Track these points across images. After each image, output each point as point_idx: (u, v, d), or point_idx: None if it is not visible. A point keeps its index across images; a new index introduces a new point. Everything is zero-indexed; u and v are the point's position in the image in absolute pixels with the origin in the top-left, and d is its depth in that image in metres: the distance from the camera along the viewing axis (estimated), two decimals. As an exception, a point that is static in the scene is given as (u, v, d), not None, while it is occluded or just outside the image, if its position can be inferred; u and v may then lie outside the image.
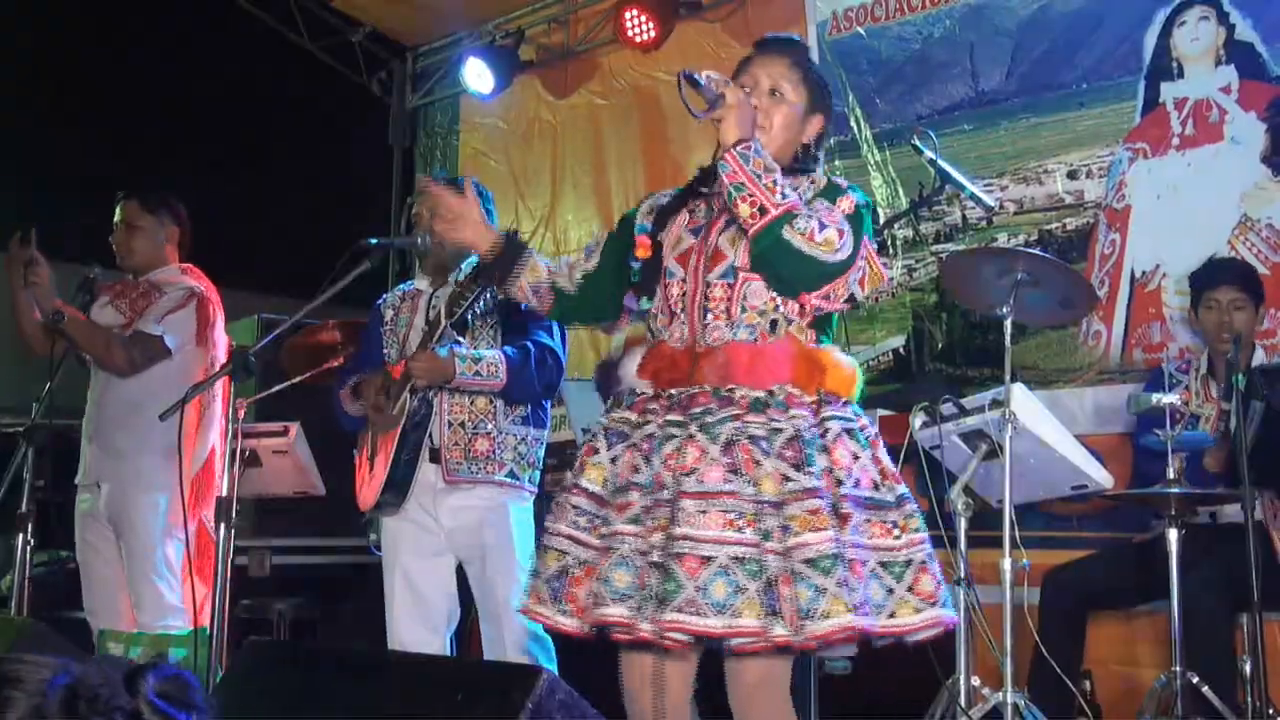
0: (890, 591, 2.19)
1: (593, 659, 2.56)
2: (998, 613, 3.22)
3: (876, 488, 2.27)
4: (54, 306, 3.78)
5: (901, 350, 5.40)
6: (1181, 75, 4.70)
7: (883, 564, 2.20)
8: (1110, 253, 4.81)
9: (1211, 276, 3.90)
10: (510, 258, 2.54)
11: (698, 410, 2.29)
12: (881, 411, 4.34)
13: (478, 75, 6.77)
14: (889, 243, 5.42)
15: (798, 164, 2.47)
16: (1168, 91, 4.73)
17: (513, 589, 3.31)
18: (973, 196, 3.60)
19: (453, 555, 3.43)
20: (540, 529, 2.45)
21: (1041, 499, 3.77)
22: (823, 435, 2.27)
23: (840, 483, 2.23)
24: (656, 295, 2.46)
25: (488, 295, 3.33)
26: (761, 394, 2.29)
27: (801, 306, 2.37)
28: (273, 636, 4.97)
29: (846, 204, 2.36)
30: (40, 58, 7.62)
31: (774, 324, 2.36)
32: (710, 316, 2.36)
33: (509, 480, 3.36)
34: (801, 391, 2.31)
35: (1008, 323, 3.32)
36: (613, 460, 2.34)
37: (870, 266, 2.40)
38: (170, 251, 4.11)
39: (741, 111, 2.29)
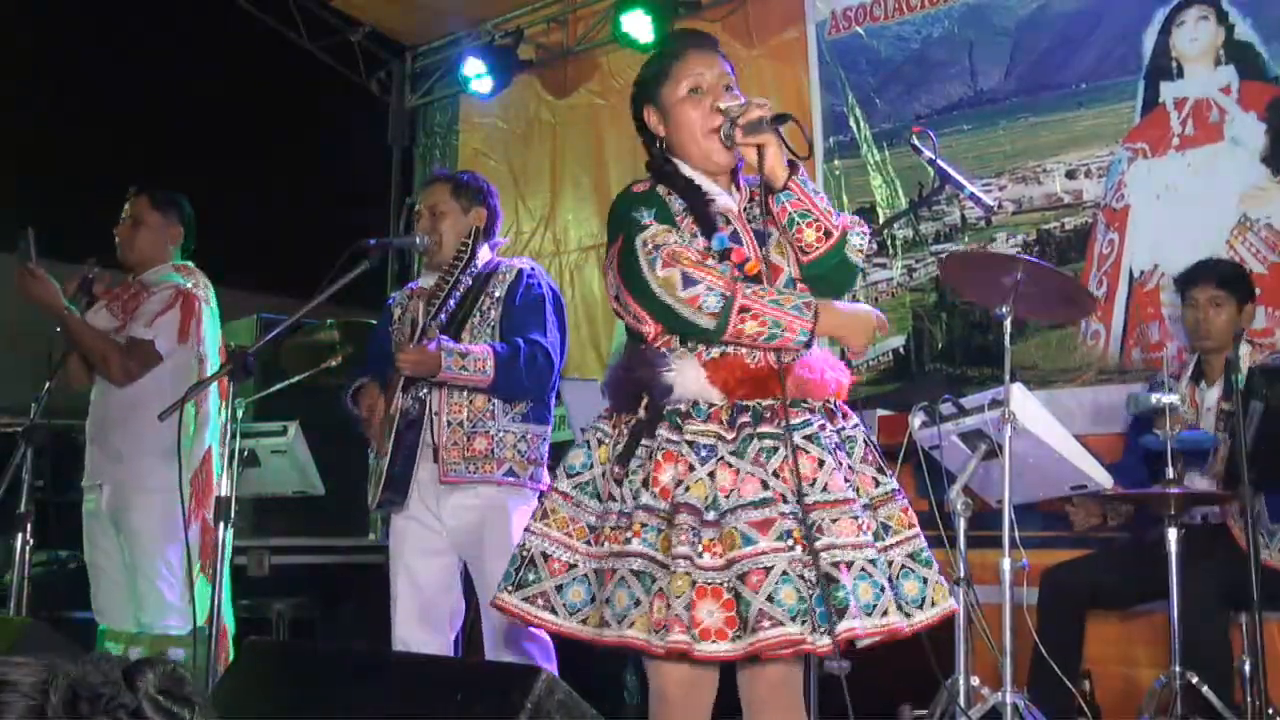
0: (924, 581, 2.29)
1: (593, 659, 2.57)
2: (997, 613, 3.22)
3: (878, 484, 2.35)
4: (61, 313, 3.81)
5: (901, 350, 5.40)
6: (1181, 75, 4.70)
7: (911, 555, 2.32)
8: (1109, 252, 4.82)
9: (1192, 277, 3.91)
10: None
11: (797, 422, 2.23)
12: (881, 411, 4.35)
13: (475, 76, 6.77)
14: (889, 243, 5.43)
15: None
16: (1167, 91, 4.73)
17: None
18: (972, 196, 3.59)
19: (457, 554, 3.43)
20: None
21: (1041, 499, 3.77)
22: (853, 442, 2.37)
23: (877, 482, 2.33)
24: None
25: (487, 291, 3.34)
26: (825, 403, 2.34)
27: None
28: (272, 636, 4.97)
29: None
30: (40, 58, 7.62)
31: None
32: None
33: (508, 479, 3.36)
34: (836, 399, 2.37)
35: (1007, 323, 3.32)
36: (710, 475, 2.19)
37: None
38: (170, 251, 4.11)
39: (777, 144, 2.27)
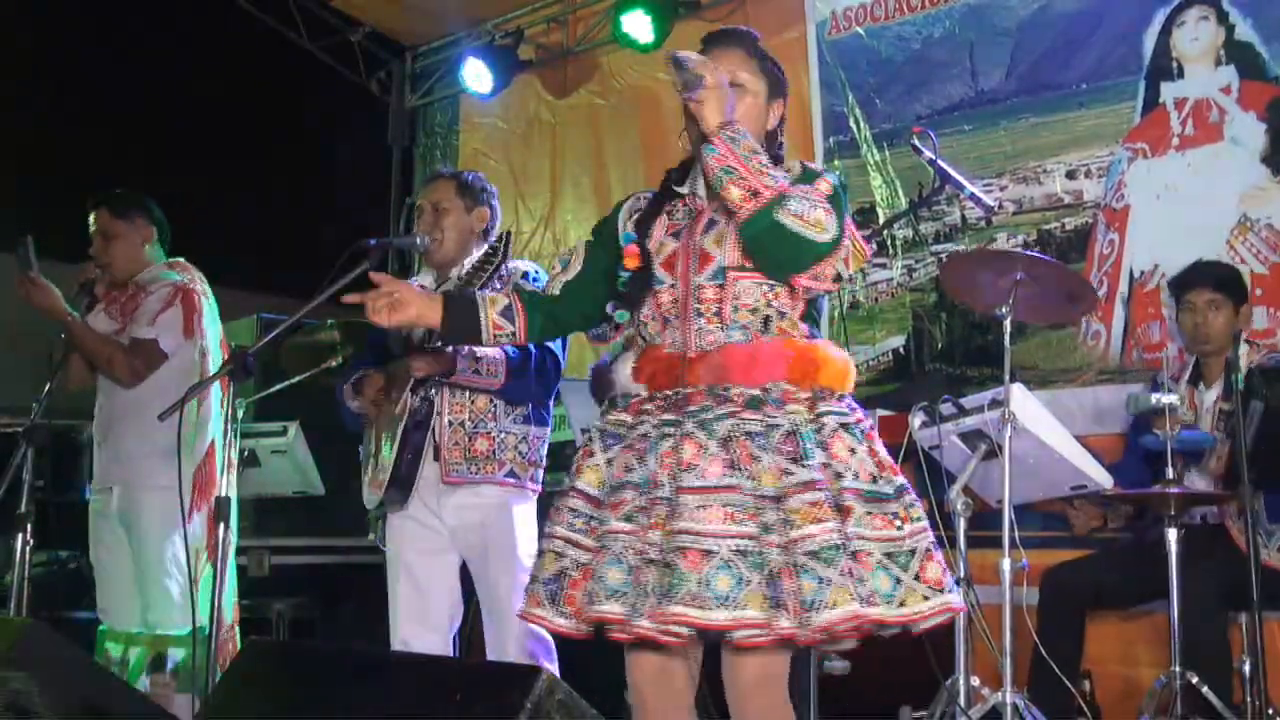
0: (898, 581, 2.18)
1: (593, 659, 2.56)
2: (997, 613, 3.22)
3: (875, 480, 2.26)
4: (64, 318, 3.81)
5: (901, 350, 5.40)
6: (1181, 75, 4.70)
7: (888, 554, 2.19)
8: (1109, 253, 4.82)
9: (1187, 280, 3.91)
10: (465, 311, 2.53)
11: (694, 409, 2.30)
12: (881, 411, 4.34)
13: (475, 76, 6.77)
14: (889, 243, 5.43)
15: (766, 152, 2.44)
16: (1167, 91, 4.73)
17: (514, 588, 3.31)
18: (972, 196, 3.60)
19: (456, 554, 3.43)
20: (540, 532, 2.46)
21: (1041, 499, 3.78)
22: (819, 430, 2.27)
23: (840, 476, 2.23)
24: (647, 303, 2.45)
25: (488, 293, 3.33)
26: (757, 391, 2.30)
27: (792, 291, 2.36)
28: (272, 636, 4.97)
29: (825, 185, 2.34)
30: (40, 58, 7.61)
31: (767, 321, 2.36)
32: (703, 320, 2.36)
33: (510, 480, 3.36)
34: (796, 388, 2.31)
35: (1007, 323, 3.33)
36: (608, 462, 2.35)
37: (854, 244, 2.40)
38: (150, 252, 4.09)
39: (721, 94, 2.28)
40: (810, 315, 2.43)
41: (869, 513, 2.22)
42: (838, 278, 2.37)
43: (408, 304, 2.51)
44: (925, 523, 2.27)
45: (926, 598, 2.18)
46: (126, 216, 4.06)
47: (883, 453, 2.33)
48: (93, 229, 4.07)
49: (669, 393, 2.35)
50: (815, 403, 2.31)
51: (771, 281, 2.35)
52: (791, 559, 2.13)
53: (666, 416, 2.32)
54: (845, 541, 2.16)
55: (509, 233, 3.36)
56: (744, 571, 2.12)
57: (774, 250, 2.28)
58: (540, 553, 2.39)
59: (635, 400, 2.40)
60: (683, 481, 2.21)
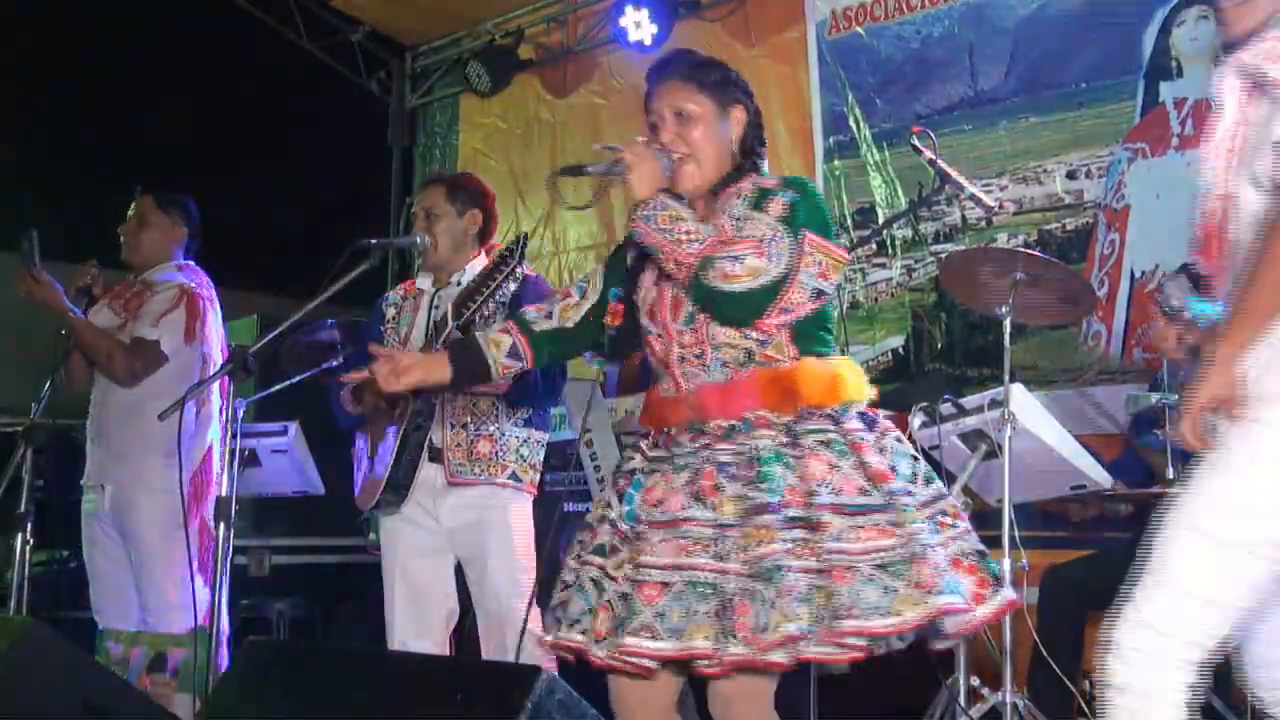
0: (893, 591, 2.14)
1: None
2: (997, 613, 3.21)
3: (865, 492, 2.21)
4: (66, 315, 3.82)
5: (901, 350, 5.40)
6: (1181, 75, 4.70)
7: (880, 565, 2.16)
8: (1110, 253, 4.82)
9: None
10: (471, 360, 2.58)
11: (676, 445, 2.36)
12: (881, 412, 4.34)
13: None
14: (889, 243, 5.43)
15: (741, 166, 2.44)
16: (1167, 91, 4.73)
17: (512, 589, 3.31)
18: (972, 196, 3.60)
19: (452, 554, 3.43)
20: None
21: (1040, 499, 3.77)
22: (795, 451, 2.25)
23: (812, 494, 2.20)
24: (644, 349, 2.50)
25: (494, 299, 3.33)
26: (733, 422, 2.31)
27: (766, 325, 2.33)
28: (272, 636, 4.97)
29: (776, 207, 2.31)
30: (40, 58, 7.61)
31: (749, 353, 2.34)
32: (686, 364, 2.38)
33: (511, 482, 3.36)
34: (774, 414, 2.30)
35: (1007, 323, 3.33)
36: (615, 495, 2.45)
37: (826, 255, 2.33)
38: (174, 251, 4.11)
39: (641, 168, 2.32)
40: (807, 331, 2.37)
41: (856, 525, 2.18)
42: (818, 294, 2.34)
43: (410, 369, 2.58)
44: (922, 527, 2.20)
45: (916, 604, 2.13)
46: (167, 210, 4.10)
47: (876, 462, 2.25)
48: (131, 212, 4.10)
49: (660, 432, 2.41)
50: (795, 424, 2.29)
51: None
52: (745, 584, 2.15)
53: (654, 454, 2.39)
54: (806, 558, 2.14)
55: (525, 235, 3.33)
56: (692, 602, 2.16)
57: (718, 309, 2.31)
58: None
59: (638, 438, 2.50)
60: (651, 516, 2.28)
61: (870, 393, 2.40)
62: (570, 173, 2.45)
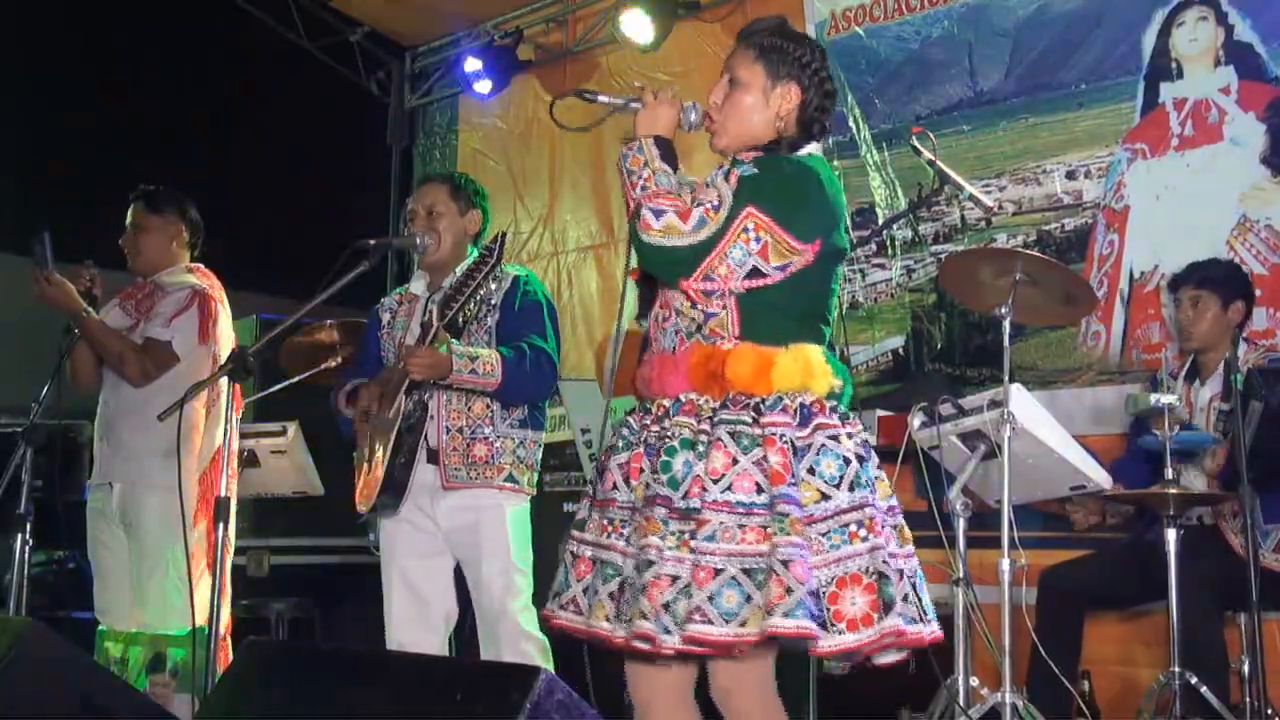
0: (748, 599, 2.11)
1: (592, 658, 2.57)
2: (996, 613, 3.22)
3: (759, 490, 2.16)
4: (79, 315, 3.82)
5: (900, 350, 5.40)
6: (1180, 76, 4.70)
7: (745, 570, 2.13)
8: (1109, 253, 4.82)
9: (1178, 278, 3.93)
10: None
11: (624, 427, 2.43)
12: (881, 412, 4.35)
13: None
14: (888, 243, 5.43)
15: (779, 140, 2.43)
16: (1167, 92, 4.73)
17: (509, 590, 3.32)
18: (971, 197, 3.60)
19: (450, 555, 3.43)
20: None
21: (1040, 499, 3.78)
22: (707, 439, 2.23)
23: (705, 490, 2.18)
24: None
25: (479, 297, 3.33)
26: (669, 403, 2.33)
27: (708, 296, 2.30)
28: (271, 636, 4.97)
29: (732, 180, 2.29)
30: (40, 57, 7.61)
31: (697, 326, 2.33)
32: (658, 325, 2.43)
33: (508, 484, 3.36)
34: (701, 397, 2.29)
35: (1006, 323, 3.32)
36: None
37: (770, 236, 2.26)
38: (179, 252, 4.11)
39: (653, 110, 2.42)
40: (765, 315, 2.30)
41: (739, 525, 2.14)
42: (755, 272, 2.27)
43: None
44: (795, 539, 2.10)
45: (758, 621, 2.09)
46: (160, 212, 4.09)
47: (778, 461, 2.17)
48: (128, 221, 4.10)
49: (639, 407, 2.46)
50: (718, 411, 2.25)
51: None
52: (631, 571, 2.23)
53: (622, 430, 2.44)
54: (647, 556, 2.16)
55: (504, 234, 3.35)
56: (599, 582, 2.27)
57: (644, 260, 2.34)
58: None
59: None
60: (597, 494, 2.38)
61: (835, 384, 2.31)
62: (584, 96, 2.48)
